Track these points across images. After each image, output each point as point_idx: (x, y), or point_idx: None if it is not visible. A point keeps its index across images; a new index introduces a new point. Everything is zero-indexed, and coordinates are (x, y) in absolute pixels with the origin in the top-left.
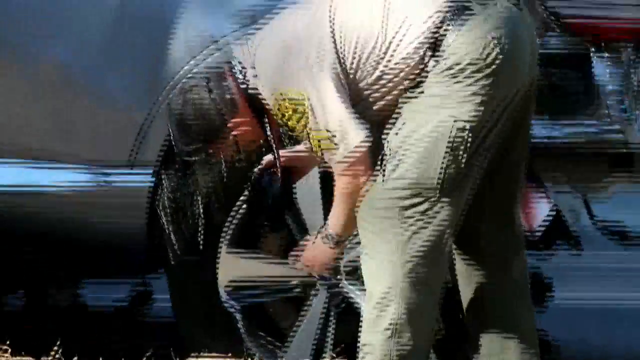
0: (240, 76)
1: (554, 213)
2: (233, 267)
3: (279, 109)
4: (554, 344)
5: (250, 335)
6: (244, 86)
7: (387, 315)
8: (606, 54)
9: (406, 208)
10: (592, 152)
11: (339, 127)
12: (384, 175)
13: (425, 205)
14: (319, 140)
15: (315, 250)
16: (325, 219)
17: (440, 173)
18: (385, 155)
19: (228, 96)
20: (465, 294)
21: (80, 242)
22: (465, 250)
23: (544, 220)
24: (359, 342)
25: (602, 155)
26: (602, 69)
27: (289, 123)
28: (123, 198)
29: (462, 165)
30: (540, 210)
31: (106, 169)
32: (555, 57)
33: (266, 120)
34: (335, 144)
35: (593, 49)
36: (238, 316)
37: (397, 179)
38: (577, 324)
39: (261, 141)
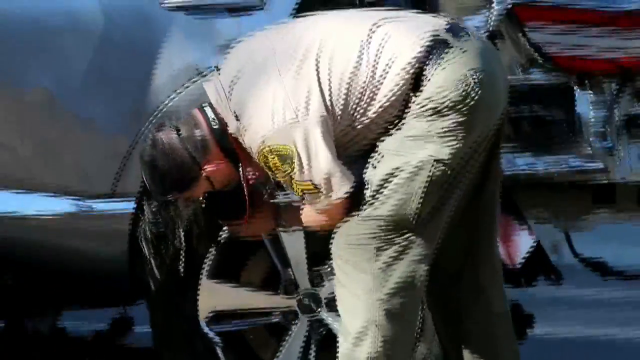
0: (212, 115)
1: (535, 246)
2: (213, 298)
3: (265, 160)
4: None
5: None
6: (216, 126)
7: (364, 350)
8: (589, 90)
9: (382, 241)
10: (575, 186)
11: (324, 181)
12: (359, 208)
13: (400, 239)
14: (302, 189)
15: (259, 220)
16: (307, 251)
17: (417, 209)
18: (362, 187)
19: (198, 136)
20: (445, 330)
21: (62, 270)
22: (444, 286)
23: (526, 254)
24: None
25: (585, 190)
26: (585, 103)
27: (275, 173)
28: (105, 225)
29: (438, 201)
30: (522, 244)
31: (89, 198)
32: (539, 91)
33: (239, 163)
34: (319, 196)
35: (576, 83)
36: (219, 347)
37: (375, 217)
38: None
39: (235, 179)
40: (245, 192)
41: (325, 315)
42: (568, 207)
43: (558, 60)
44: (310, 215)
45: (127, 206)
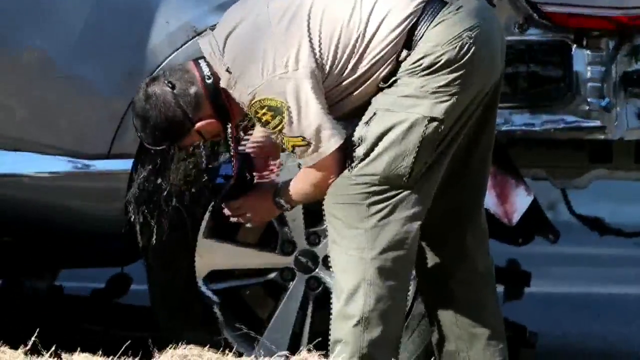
0: (207, 71)
1: (531, 204)
2: (211, 257)
3: (256, 114)
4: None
5: (228, 326)
6: (209, 81)
7: (357, 307)
8: (586, 48)
9: (375, 199)
10: (572, 143)
11: (314, 133)
12: (351, 165)
13: (393, 197)
14: (292, 144)
15: (260, 202)
16: (304, 206)
17: (410, 166)
18: (354, 144)
19: (192, 93)
20: (430, 289)
21: (59, 230)
22: (430, 245)
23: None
24: (330, 335)
25: (582, 147)
26: (582, 61)
27: (266, 126)
28: (102, 184)
29: (432, 158)
30: (518, 202)
31: (86, 158)
32: (536, 49)
33: (228, 119)
34: (310, 149)
35: (573, 41)
36: (216, 307)
37: (368, 174)
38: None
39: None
40: (232, 152)
41: (322, 273)
42: (565, 164)
43: (555, 18)
44: (303, 179)
45: (124, 165)
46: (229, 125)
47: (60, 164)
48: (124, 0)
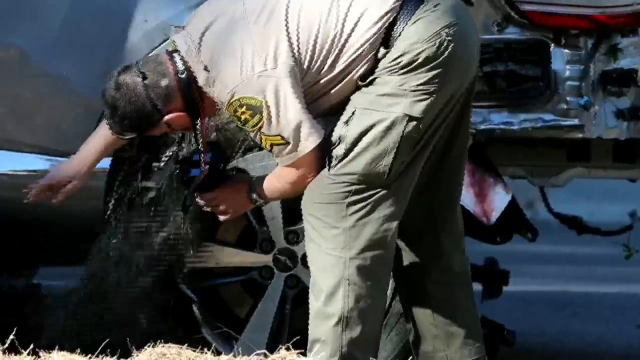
0: (181, 66)
1: (510, 202)
2: (189, 255)
3: (235, 112)
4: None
5: (207, 325)
6: (182, 76)
7: (336, 307)
8: (565, 47)
9: (353, 198)
10: (550, 142)
11: (293, 132)
12: (331, 165)
13: (372, 196)
14: (271, 143)
15: (234, 195)
16: (283, 205)
17: (389, 166)
18: (333, 143)
19: (163, 86)
20: (406, 289)
21: (37, 228)
22: (406, 244)
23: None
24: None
25: (560, 146)
26: (560, 60)
27: (245, 126)
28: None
29: (410, 157)
30: (497, 201)
31: (63, 156)
32: (514, 47)
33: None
34: (288, 148)
35: (552, 40)
36: (194, 305)
37: (347, 173)
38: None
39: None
40: (201, 146)
41: (300, 272)
42: (543, 163)
43: (533, 17)
44: (280, 177)
45: (101, 163)
46: (198, 121)
47: (37, 162)
48: None
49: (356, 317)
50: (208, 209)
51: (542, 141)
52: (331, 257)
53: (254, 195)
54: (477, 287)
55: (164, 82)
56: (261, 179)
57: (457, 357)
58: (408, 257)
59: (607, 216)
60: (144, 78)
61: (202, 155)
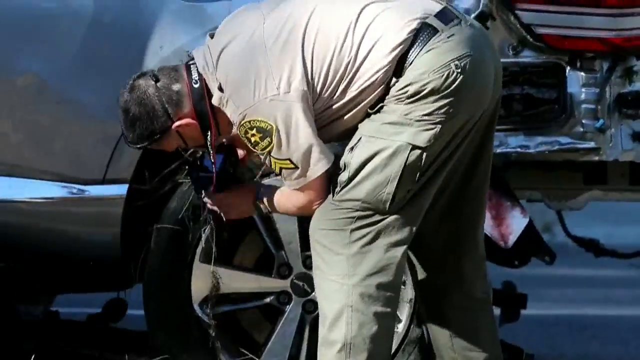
0: (195, 75)
1: (527, 226)
2: (207, 281)
3: (245, 134)
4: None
5: (225, 349)
6: (196, 85)
7: (340, 334)
8: (581, 70)
9: (357, 225)
10: (567, 165)
11: (302, 159)
12: (335, 191)
13: (376, 223)
14: (280, 167)
15: (240, 200)
16: (300, 229)
17: (392, 193)
18: (339, 170)
19: (175, 89)
20: (427, 313)
21: (55, 255)
22: (428, 270)
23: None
24: None
25: (577, 169)
26: (576, 83)
27: (255, 148)
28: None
29: (415, 186)
30: (514, 224)
31: (81, 184)
32: (530, 71)
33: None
34: (297, 173)
35: (567, 62)
36: (212, 330)
37: (350, 199)
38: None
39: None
40: (212, 160)
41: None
42: (560, 186)
43: (549, 40)
44: (288, 200)
45: (119, 190)
46: (209, 134)
47: (55, 190)
48: (118, 25)
49: (361, 343)
50: (214, 208)
51: (559, 164)
52: (334, 283)
53: (260, 204)
54: (495, 310)
55: (175, 87)
56: (268, 188)
57: None
58: (430, 282)
59: (624, 239)
60: (157, 80)
61: (213, 158)
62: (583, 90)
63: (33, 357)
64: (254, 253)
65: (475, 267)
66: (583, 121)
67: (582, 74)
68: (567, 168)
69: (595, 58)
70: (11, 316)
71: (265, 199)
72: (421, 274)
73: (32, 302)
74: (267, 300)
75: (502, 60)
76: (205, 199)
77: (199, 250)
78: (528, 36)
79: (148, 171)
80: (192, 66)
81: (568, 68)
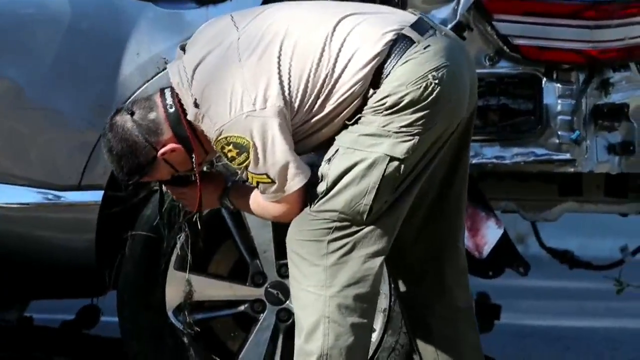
0: (169, 100)
1: (502, 237)
2: (181, 289)
3: (222, 149)
4: None
5: (198, 357)
6: (171, 110)
7: (317, 346)
8: (557, 81)
9: (334, 236)
10: (542, 176)
11: (279, 173)
12: (312, 202)
13: (353, 234)
14: (257, 180)
15: (206, 194)
16: (275, 238)
17: (369, 205)
18: (316, 181)
19: (151, 118)
20: (411, 324)
21: (29, 261)
22: (410, 281)
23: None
24: None
25: (552, 180)
26: (552, 94)
27: (232, 163)
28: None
29: (393, 197)
30: (489, 235)
31: (57, 190)
32: (506, 82)
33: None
34: (274, 187)
35: (544, 74)
36: (186, 338)
37: (327, 210)
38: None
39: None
40: (197, 181)
41: (292, 305)
42: (535, 197)
43: (525, 52)
44: (264, 208)
45: (94, 197)
46: (194, 157)
47: (30, 195)
48: (95, 32)
49: (337, 355)
50: (178, 199)
51: (534, 175)
52: (311, 294)
53: (226, 201)
54: None
55: (151, 116)
56: (237, 187)
57: None
58: (411, 292)
59: (598, 251)
60: (132, 114)
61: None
62: (559, 101)
63: None
64: (229, 261)
65: (457, 277)
66: (559, 132)
67: (559, 85)
68: (542, 179)
69: (572, 70)
70: None
71: (234, 197)
72: (402, 285)
73: (6, 307)
74: (241, 308)
75: (478, 70)
76: (170, 191)
77: (173, 257)
78: (505, 47)
79: None
80: (165, 91)
81: (544, 79)
